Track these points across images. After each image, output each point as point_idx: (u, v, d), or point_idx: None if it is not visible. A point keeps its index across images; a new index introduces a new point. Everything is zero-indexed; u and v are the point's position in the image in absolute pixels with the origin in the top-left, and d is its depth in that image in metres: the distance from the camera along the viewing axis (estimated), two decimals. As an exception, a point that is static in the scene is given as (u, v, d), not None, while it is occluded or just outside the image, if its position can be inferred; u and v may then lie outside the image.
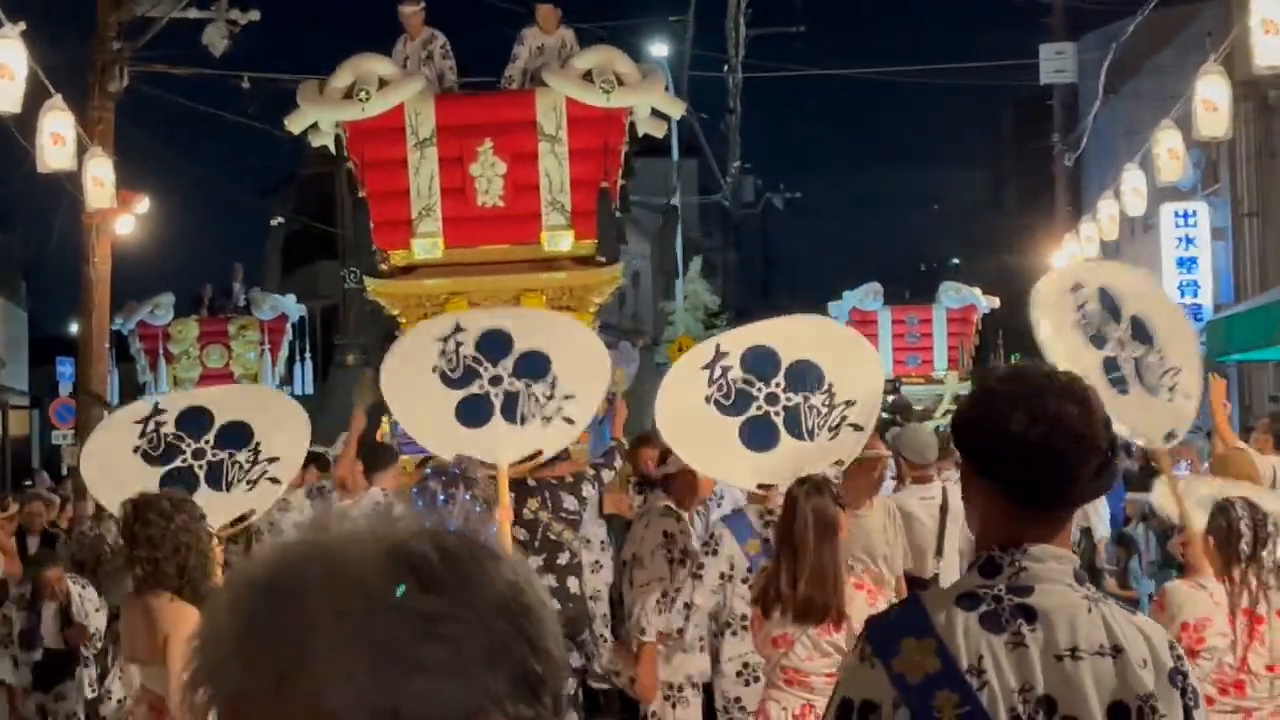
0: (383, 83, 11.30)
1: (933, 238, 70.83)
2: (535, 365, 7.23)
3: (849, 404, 6.80)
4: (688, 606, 6.78)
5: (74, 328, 21.99)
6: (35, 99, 11.81)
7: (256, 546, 9.44)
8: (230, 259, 23.77)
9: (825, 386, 6.80)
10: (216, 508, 6.42)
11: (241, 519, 7.00)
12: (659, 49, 31.88)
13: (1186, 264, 23.29)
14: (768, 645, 5.39)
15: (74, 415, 19.22)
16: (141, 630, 5.30)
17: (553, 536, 8.31)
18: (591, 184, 11.44)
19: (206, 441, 6.89)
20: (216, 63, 17.10)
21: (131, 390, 20.79)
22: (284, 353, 21.38)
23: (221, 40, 16.57)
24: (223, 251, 43.20)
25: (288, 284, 32.94)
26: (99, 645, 9.35)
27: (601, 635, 9.44)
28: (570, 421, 7.28)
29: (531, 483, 8.38)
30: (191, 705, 1.10)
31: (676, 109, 12.57)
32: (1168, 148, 15.76)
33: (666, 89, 12.40)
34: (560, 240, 11.47)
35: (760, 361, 6.87)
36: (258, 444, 6.91)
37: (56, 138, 12.34)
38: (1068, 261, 19.28)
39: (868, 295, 24.15)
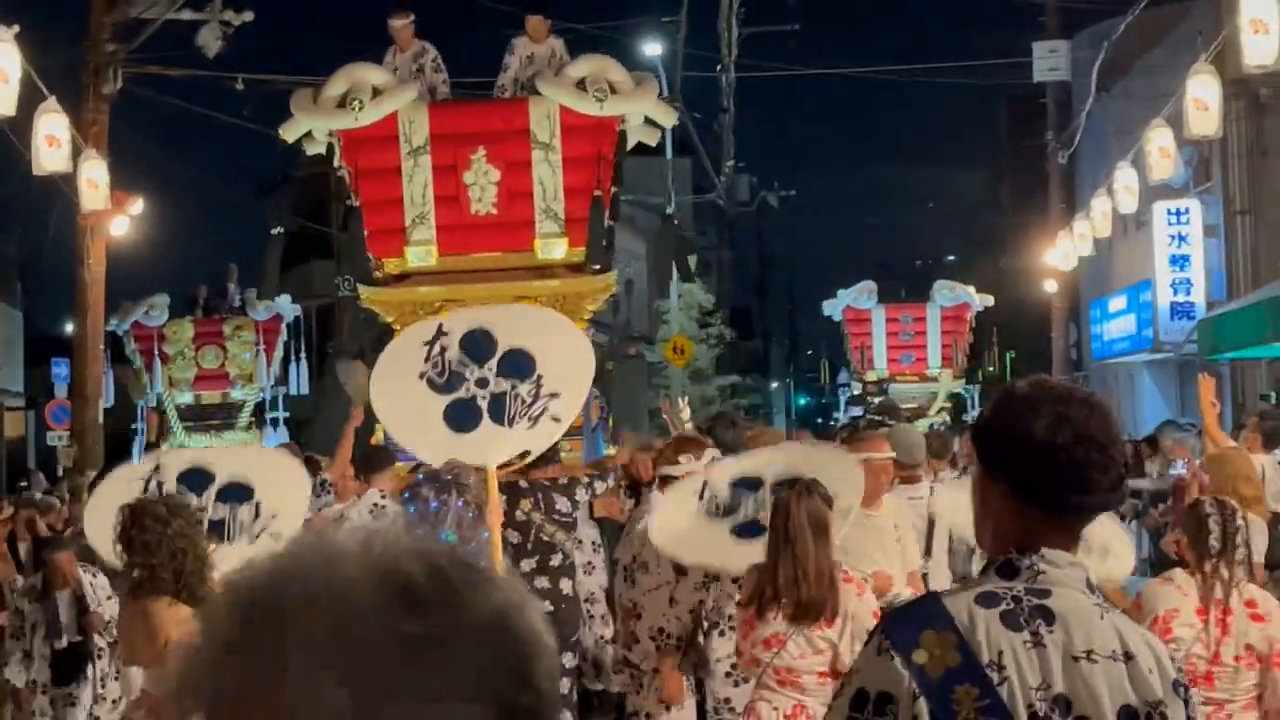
0: (376, 91, 11.33)
1: (928, 235, 70.95)
2: (519, 365, 7.29)
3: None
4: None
5: (69, 328, 22.02)
6: (30, 101, 11.85)
7: (254, 558, 9.40)
8: (225, 260, 23.76)
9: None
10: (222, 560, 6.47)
11: None
12: (652, 48, 31.91)
13: (1179, 261, 23.32)
14: (759, 646, 5.43)
15: (69, 416, 19.23)
16: (141, 634, 5.34)
17: (545, 538, 8.36)
18: (585, 192, 11.47)
19: (207, 500, 6.93)
20: (210, 64, 17.13)
21: (127, 391, 20.84)
22: (279, 353, 21.40)
23: (215, 42, 16.59)
24: (218, 252, 43.21)
25: (283, 284, 32.94)
26: (114, 634, 9.31)
27: (602, 636, 9.48)
28: (557, 420, 7.33)
29: (524, 484, 8.42)
30: (176, 717, 1.09)
31: (669, 118, 12.61)
32: (1159, 146, 15.81)
33: (660, 96, 12.43)
34: (554, 248, 11.51)
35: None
36: (258, 502, 6.95)
37: (51, 140, 12.38)
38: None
39: (862, 293, 24.19)
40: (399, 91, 11.41)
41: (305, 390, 22.38)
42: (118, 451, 18.84)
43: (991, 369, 43.90)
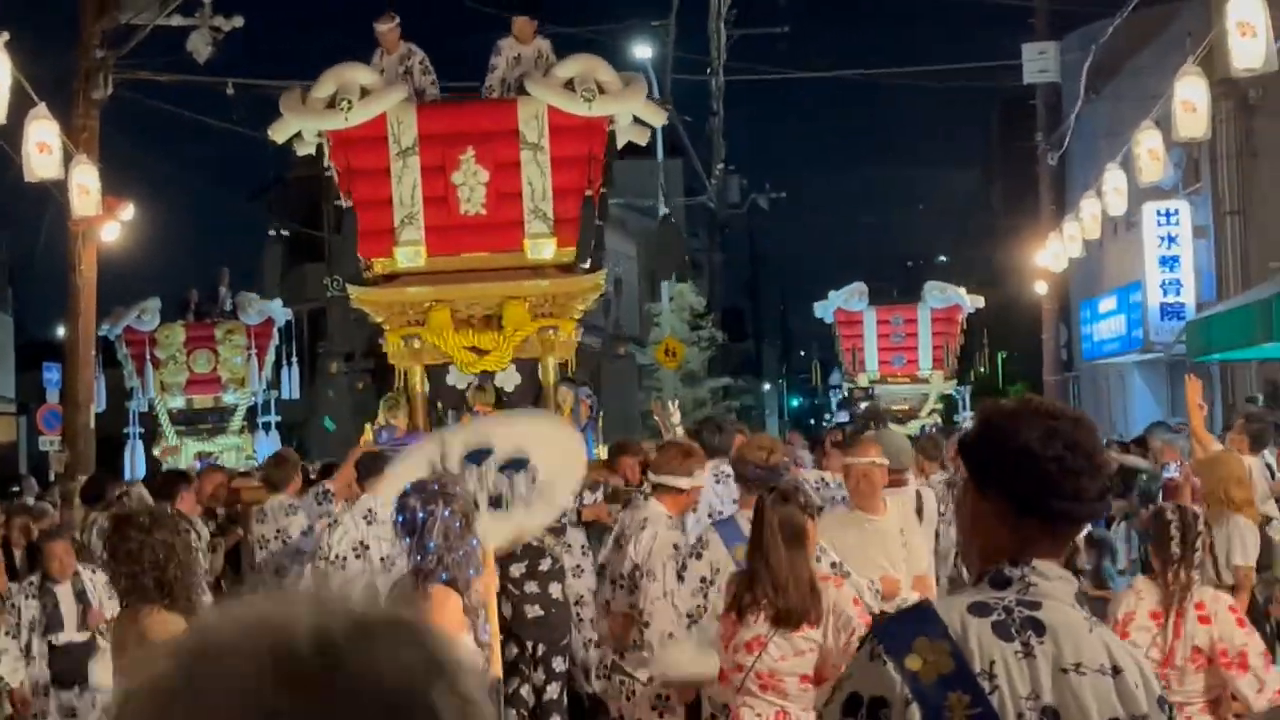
0: (365, 92, 11.35)
1: (920, 236, 71.11)
2: (516, 464, 7.37)
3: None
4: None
5: (61, 333, 22.00)
6: (20, 108, 11.84)
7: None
8: (216, 264, 23.77)
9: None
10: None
11: None
12: (642, 51, 31.94)
13: (1168, 262, 23.38)
14: (740, 650, 5.43)
15: (60, 421, 19.21)
16: (133, 642, 5.35)
17: (534, 543, 8.38)
18: (574, 192, 11.49)
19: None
20: (201, 69, 17.13)
21: (119, 395, 20.85)
22: (271, 357, 21.41)
23: (206, 47, 16.59)
24: (209, 256, 43.23)
25: (277, 287, 33.04)
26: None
27: (590, 639, 9.49)
28: (551, 504, 7.40)
29: (514, 489, 8.46)
30: None
31: (658, 117, 12.62)
32: (1148, 148, 15.81)
33: (650, 96, 12.45)
34: (543, 248, 11.52)
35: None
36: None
37: (42, 146, 12.36)
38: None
39: (852, 295, 24.24)
40: (388, 92, 11.43)
41: (297, 394, 22.39)
42: (109, 456, 18.85)
43: (983, 370, 44.01)
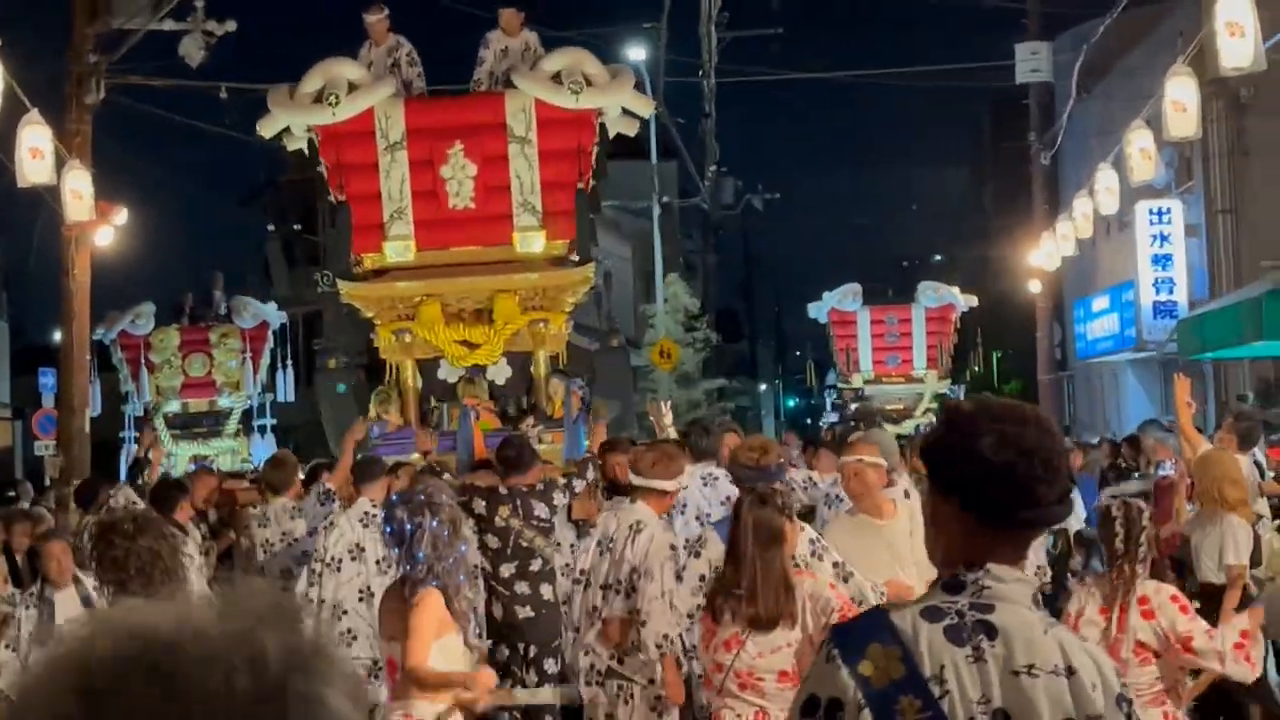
0: (352, 87, 11.36)
1: (913, 236, 71.16)
2: None
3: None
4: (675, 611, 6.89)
5: (55, 338, 22.01)
6: (12, 114, 11.86)
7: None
8: (210, 267, 23.78)
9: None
10: None
11: None
12: (635, 53, 31.97)
13: (1161, 261, 23.43)
14: (719, 650, 5.44)
15: (56, 426, 19.21)
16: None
17: (524, 543, 8.41)
18: (562, 185, 11.51)
19: None
20: (193, 74, 17.13)
21: (114, 400, 20.86)
22: (266, 360, 21.42)
23: (198, 51, 16.59)
24: (203, 260, 43.23)
25: (274, 289, 33.08)
26: None
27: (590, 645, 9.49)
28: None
29: (503, 490, 8.49)
30: None
31: (646, 108, 12.63)
32: (1140, 148, 15.82)
33: (638, 87, 12.45)
34: (532, 241, 11.54)
35: None
36: None
37: (34, 152, 12.38)
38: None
39: (847, 296, 24.29)
40: (375, 87, 11.44)
41: (292, 397, 22.40)
42: (104, 461, 18.85)
43: (977, 369, 44.06)
